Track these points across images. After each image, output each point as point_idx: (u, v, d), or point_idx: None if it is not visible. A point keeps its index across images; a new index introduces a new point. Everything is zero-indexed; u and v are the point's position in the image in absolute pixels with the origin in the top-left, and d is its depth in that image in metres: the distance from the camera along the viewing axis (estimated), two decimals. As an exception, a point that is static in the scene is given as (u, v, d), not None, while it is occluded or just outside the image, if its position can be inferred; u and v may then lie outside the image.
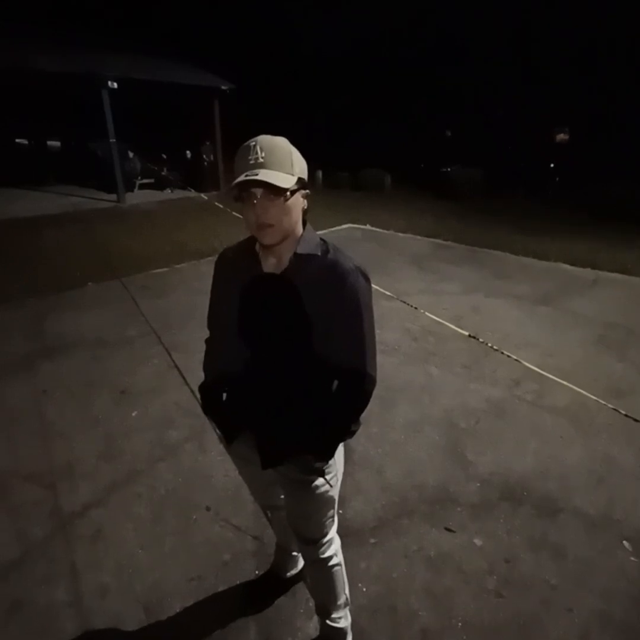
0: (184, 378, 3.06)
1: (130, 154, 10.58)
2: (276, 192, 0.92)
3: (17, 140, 13.48)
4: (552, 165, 13.89)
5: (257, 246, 1.09)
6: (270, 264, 1.06)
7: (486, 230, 7.93)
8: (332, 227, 7.80)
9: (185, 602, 1.62)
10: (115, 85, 8.76)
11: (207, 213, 8.62)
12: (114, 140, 9.11)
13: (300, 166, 0.97)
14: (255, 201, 0.93)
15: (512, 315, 4.29)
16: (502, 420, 2.71)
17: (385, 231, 7.84)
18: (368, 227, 8.07)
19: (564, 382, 3.04)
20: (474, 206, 10.46)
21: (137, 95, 9.99)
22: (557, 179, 13.65)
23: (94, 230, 7.26)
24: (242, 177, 0.90)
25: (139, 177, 10.98)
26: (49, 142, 14.04)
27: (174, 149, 11.99)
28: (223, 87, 10.85)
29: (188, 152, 11.95)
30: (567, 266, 5.90)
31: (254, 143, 0.93)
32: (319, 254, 1.04)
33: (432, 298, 4.65)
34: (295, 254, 1.03)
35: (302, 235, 1.05)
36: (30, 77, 8.31)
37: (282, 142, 0.96)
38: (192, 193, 10.49)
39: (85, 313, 4.11)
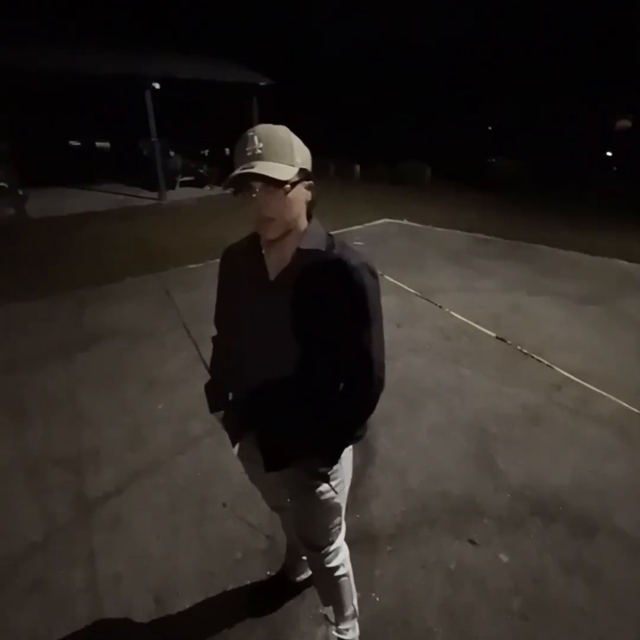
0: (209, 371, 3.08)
1: (172, 153, 10.89)
2: (275, 184, 0.86)
3: (70, 142, 14.31)
4: (609, 154, 12.96)
5: (262, 242, 1.04)
6: (273, 260, 1.02)
7: (532, 224, 7.50)
8: (368, 222, 7.63)
9: (195, 597, 1.62)
10: (158, 85, 9.03)
11: (243, 209, 8.71)
12: (156, 139, 9.39)
13: (302, 156, 0.91)
14: (254, 195, 0.89)
15: (556, 315, 4.01)
16: (538, 428, 2.53)
17: (423, 226, 7.59)
18: (405, 222, 7.85)
19: (605, 394, 2.80)
20: (519, 199, 9.93)
21: (177, 93, 10.23)
22: (615, 168, 12.72)
23: (136, 226, 7.54)
24: (237, 171, 0.86)
25: (180, 175, 11.28)
26: (98, 143, 14.80)
27: (212, 146, 12.22)
28: (261, 83, 10.93)
29: (227, 149, 12.15)
30: (623, 262, 5.45)
31: (251, 133, 0.88)
32: (324, 249, 0.98)
33: (469, 296, 4.44)
34: (298, 249, 0.97)
35: (306, 229, 0.99)
36: (79, 79, 8.73)
37: (281, 132, 0.90)
38: (229, 190, 10.66)
39: (122, 306, 4.25)
